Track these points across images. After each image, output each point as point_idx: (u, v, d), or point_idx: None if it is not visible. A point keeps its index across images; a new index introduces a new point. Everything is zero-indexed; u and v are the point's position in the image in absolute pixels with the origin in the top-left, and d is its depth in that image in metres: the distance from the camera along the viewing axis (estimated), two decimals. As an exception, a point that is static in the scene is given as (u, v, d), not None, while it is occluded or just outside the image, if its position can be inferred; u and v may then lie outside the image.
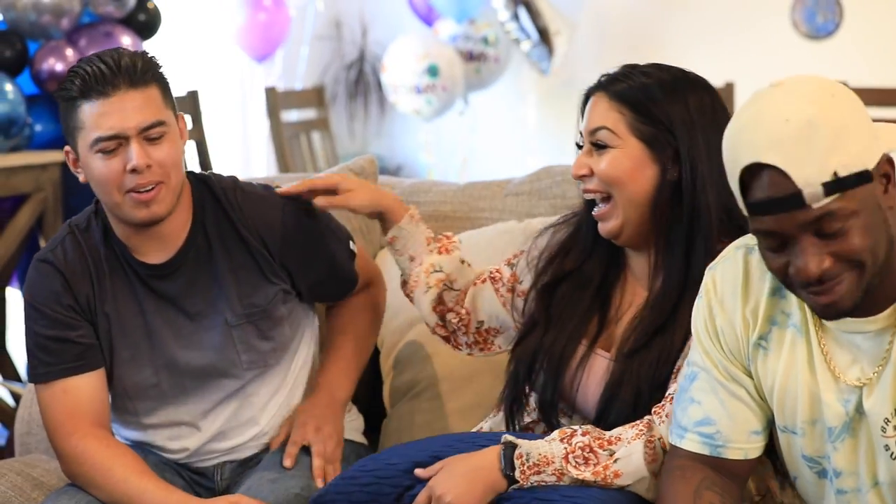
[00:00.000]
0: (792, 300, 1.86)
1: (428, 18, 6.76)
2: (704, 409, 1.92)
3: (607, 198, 2.12)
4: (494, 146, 6.96)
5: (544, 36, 6.61)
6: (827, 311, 1.77)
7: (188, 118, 5.18)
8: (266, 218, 2.36)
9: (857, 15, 6.41)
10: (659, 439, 2.00)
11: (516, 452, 2.03)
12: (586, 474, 1.99)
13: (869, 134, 1.70)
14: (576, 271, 2.20)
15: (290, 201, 2.40)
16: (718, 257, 1.95)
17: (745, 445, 1.92)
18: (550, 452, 2.02)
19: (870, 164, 1.69)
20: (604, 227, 2.14)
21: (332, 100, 7.07)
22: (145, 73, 2.21)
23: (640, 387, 2.07)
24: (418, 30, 6.77)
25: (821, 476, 1.90)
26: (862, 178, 1.68)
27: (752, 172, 1.71)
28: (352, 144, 7.14)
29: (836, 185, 1.67)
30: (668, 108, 2.09)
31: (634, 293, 2.18)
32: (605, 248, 2.19)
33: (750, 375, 1.91)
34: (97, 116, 2.20)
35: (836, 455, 1.85)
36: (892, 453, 1.81)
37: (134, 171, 2.20)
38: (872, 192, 1.70)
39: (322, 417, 2.39)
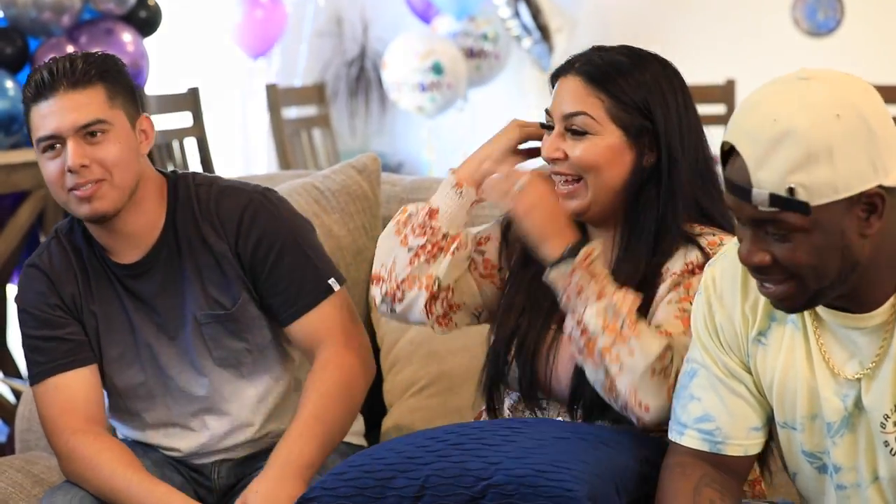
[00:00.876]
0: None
1: (425, 15, 6.76)
2: (704, 405, 1.92)
3: (577, 179, 2.10)
4: (495, 143, 6.95)
5: (545, 33, 6.62)
6: (776, 305, 1.79)
7: (189, 115, 5.19)
8: (230, 211, 2.34)
9: (857, 12, 6.41)
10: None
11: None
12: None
13: (866, 162, 1.66)
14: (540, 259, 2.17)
15: (272, 205, 2.37)
16: (718, 254, 1.95)
17: (745, 442, 1.92)
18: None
19: (844, 192, 1.66)
20: (568, 205, 2.10)
21: (333, 96, 7.06)
22: (86, 73, 2.23)
23: None
24: (420, 27, 6.77)
25: (821, 471, 1.90)
26: (805, 208, 1.66)
27: (730, 149, 1.72)
28: (352, 141, 7.13)
29: (783, 201, 1.66)
30: (642, 86, 2.08)
31: None
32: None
33: (749, 371, 1.91)
34: (39, 118, 2.25)
35: (835, 450, 1.85)
36: (892, 449, 1.80)
37: (71, 170, 2.22)
38: (839, 216, 1.67)
39: (264, 490, 2.20)
